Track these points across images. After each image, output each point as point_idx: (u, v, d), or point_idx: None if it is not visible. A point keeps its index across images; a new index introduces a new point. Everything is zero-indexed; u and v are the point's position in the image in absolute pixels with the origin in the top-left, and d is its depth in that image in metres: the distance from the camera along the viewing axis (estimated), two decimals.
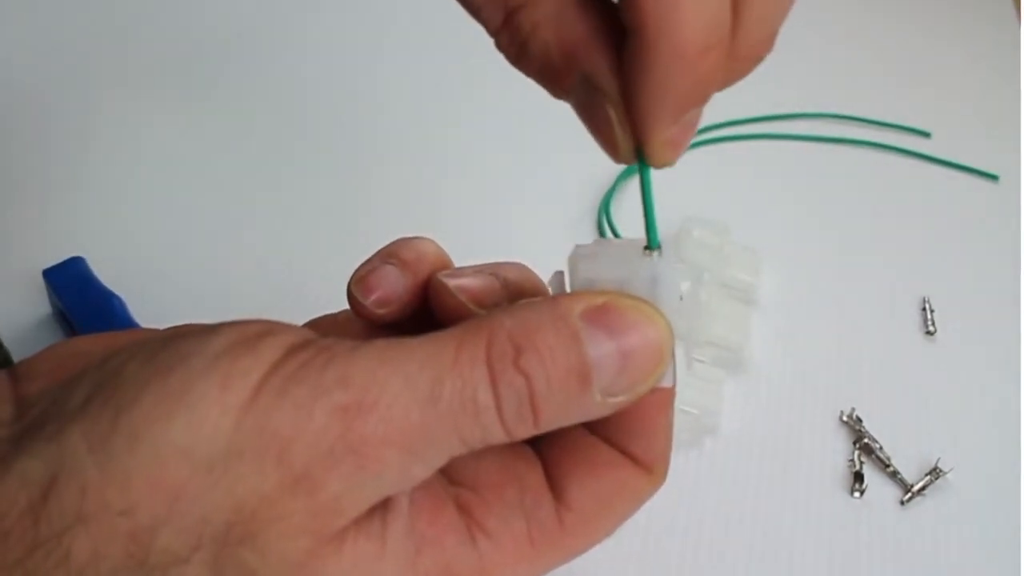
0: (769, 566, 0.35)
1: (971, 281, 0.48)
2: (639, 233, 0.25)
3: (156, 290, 0.42)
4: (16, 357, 0.36)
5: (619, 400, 0.23)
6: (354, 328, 0.27)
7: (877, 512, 0.37)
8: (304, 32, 0.60)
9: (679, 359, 0.24)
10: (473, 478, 0.25)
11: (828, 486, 0.38)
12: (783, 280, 0.47)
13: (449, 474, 0.24)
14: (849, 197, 0.53)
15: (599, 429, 0.25)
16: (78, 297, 0.39)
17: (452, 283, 0.25)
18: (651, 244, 0.24)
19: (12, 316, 0.40)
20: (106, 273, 0.40)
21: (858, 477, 0.38)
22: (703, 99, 0.22)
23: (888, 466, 0.38)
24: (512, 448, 0.25)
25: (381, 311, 0.26)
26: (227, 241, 0.46)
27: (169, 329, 0.24)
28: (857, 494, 0.38)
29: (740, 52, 0.22)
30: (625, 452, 0.25)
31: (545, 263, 0.27)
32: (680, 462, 0.38)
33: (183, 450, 0.20)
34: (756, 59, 0.23)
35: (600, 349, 0.22)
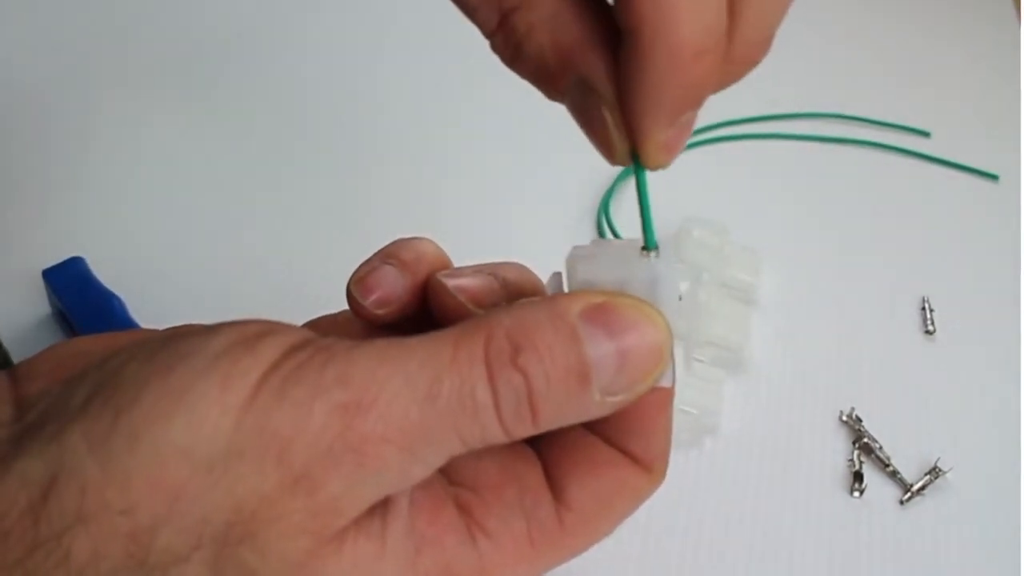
0: (769, 566, 0.35)
1: (971, 281, 0.48)
2: (638, 233, 0.25)
3: (156, 290, 0.42)
4: (16, 357, 0.36)
5: (618, 399, 0.23)
6: (353, 329, 0.27)
7: (877, 512, 0.37)
8: (304, 32, 0.60)
9: (679, 359, 0.25)
10: (473, 478, 0.25)
11: (828, 486, 0.38)
12: (783, 280, 0.47)
13: (449, 474, 0.25)
14: (849, 197, 0.53)
15: (598, 428, 0.25)
16: (78, 297, 0.39)
17: (451, 283, 0.25)
18: (648, 245, 0.24)
19: (12, 316, 0.40)
20: (106, 273, 0.40)
21: (858, 477, 0.38)
22: (698, 102, 0.22)
23: (888, 466, 0.38)
24: (512, 448, 0.25)
25: (380, 311, 0.26)
26: (227, 241, 0.46)
27: (169, 329, 0.25)
28: (857, 494, 0.38)
29: (736, 55, 0.22)
30: (624, 451, 0.25)
31: (544, 263, 0.27)
32: (680, 462, 0.38)
33: (183, 450, 0.20)
34: (752, 63, 0.23)
35: (599, 348, 0.22)
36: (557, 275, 0.26)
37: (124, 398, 0.20)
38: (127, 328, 0.36)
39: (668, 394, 0.25)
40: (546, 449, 0.25)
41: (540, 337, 0.22)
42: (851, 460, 0.39)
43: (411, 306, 0.26)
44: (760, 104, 0.57)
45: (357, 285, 0.26)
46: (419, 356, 0.21)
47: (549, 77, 0.23)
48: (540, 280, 0.27)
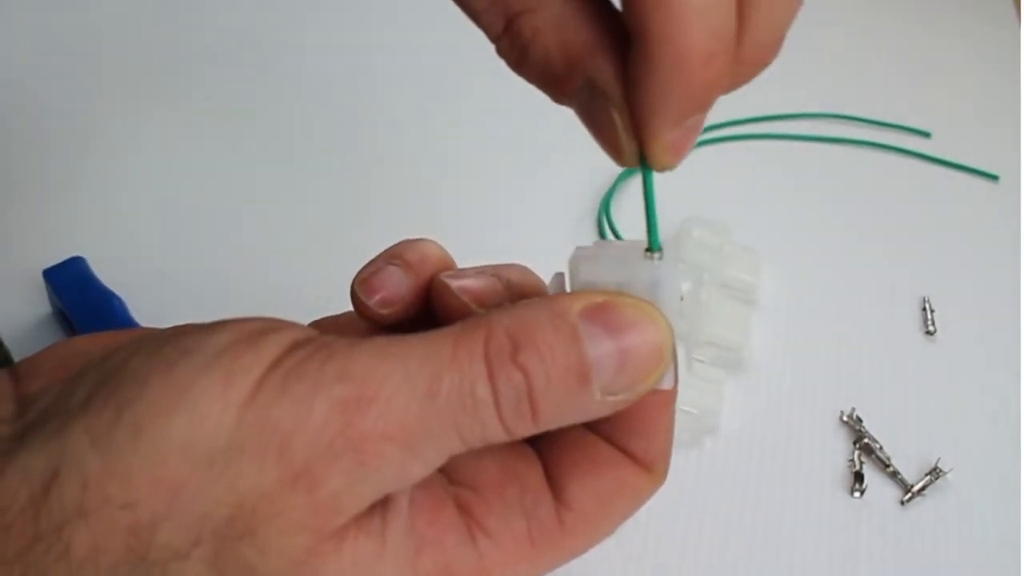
0: (769, 566, 0.35)
1: (971, 281, 0.48)
2: (640, 233, 0.25)
3: (156, 290, 0.42)
4: (16, 357, 0.36)
5: (619, 399, 0.23)
6: (356, 329, 0.27)
7: (877, 512, 0.37)
8: (304, 32, 0.60)
9: (680, 359, 0.24)
10: (473, 477, 0.25)
11: (828, 486, 0.38)
12: (783, 280, 0.47)
13: (449, 474, 0.25)
14: (849, 197, 0.53)
15: (599, 428, 0.25)
16: (78, 297, 0.39)
17: (454, 284, 0.26)
18: (652, 246, 0.24)
19: (12, 316, 0.40)
20: (106, 273, 0.40)
21: (858, 477, 0.38)
22: (707, 105, 0.22)
23: (888, 466, 0.38)
24: (512, 447, 0.25)
25: (384, 312, 0.26)
26: (227, 241, 0.46)
27: (170, 329, 0.25)
28: (857, 494, 0.38)
29: (745, 58, 0.22)
30: (625, 451, 0.25)
31: (546, 264, 0.27)
32: (680, 462, 0.38)
33: (184, 446, 0.20)
34: (761, 65, 0.23)
35: (599, 347, 0.22)
36: (559, 275, 0.26)
37: (126, 394, 0.20)
38: (127, 328, 0.36)
39: (670, 394, 0.25)
40: (547, 449, 0.25)
41: (540, 335, 0.22)
42: (851, 460, 0.39)
43: (415, 307, 0.26)
44: (761, 104, 0.57)
45: (361, 285, 0.26)
46: (419, 353, 0.21)
47: (555, 80, 0.23)
48: (543, 282, 0.27)
